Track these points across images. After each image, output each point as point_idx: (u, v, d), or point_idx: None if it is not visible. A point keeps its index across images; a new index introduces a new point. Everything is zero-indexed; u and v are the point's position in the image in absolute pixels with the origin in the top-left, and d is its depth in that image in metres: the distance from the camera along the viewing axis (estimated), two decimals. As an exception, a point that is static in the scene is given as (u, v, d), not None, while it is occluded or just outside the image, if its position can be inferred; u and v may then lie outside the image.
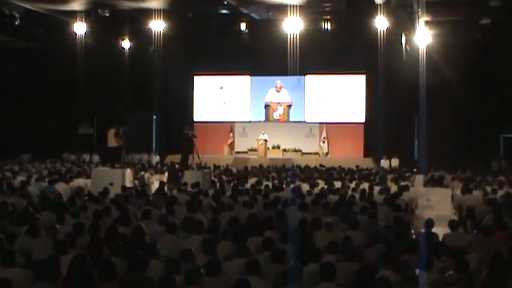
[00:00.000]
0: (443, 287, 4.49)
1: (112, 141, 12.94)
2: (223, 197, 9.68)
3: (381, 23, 18.45)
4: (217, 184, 12.27)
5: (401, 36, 19.97)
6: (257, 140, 21.72)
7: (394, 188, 11.73)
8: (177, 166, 14.34)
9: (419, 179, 13.31)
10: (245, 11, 20.30)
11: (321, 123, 23.66)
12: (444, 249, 5.50)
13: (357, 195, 10.06)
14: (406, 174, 15.51)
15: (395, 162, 20.87)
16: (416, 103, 17.50)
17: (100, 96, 21.86)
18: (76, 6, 19.52)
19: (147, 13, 19.68)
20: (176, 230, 6.35)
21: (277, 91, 24.14)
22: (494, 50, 19.23)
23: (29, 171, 14.80)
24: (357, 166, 18.18)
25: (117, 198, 9.09)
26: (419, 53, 17.29)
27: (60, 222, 6.74)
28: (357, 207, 8.51)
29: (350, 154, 22.71)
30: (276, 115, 23.73)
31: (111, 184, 11.24)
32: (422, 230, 6.87)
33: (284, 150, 23.24)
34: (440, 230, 6.92)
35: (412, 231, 7.82)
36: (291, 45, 18.42)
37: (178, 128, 19.49)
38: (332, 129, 23.47)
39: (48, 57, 22.35)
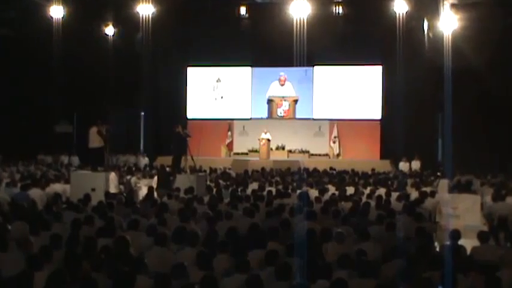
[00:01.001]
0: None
1: (94, 141, 12.93)
2: (221, 205, 9.75)
3: (400, 6, 18.41)
4: (214, 190, 12.32)
5: (423, 22, 19.95)
6: (259, 139, 21.71)
7: (414, 195, 11.75)
8: (168, 169, 14.32)
9: (444, 184, 13.29)
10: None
11: (331, 120, 23.72)
12: (473, 264, 5.48)
13: (373, 203, 10.06)
14: (429, 179, 15.52)
15: (416, 164, 20.85)
16: (440, 97, 17.47)
17: (80, 90, 21.82)
18: (52, -14, 19.52)
19: (134, -5, 19.73)
20: (167, 242, 6.36)
21: (282, 84, 24.15)
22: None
23: (-2, 175, 14.78)
24: (372, 169, 18.22)
25: (99, 206, 9.10)
26: (444, 40, 17.25)
27: (34, 233, 6.72)
28: (372, 216, 8.51)
29: (364, 156, 22.75)
30: (280, 111, 23.76)
31: (93, 190, 11.25)
32: (448, 243, 6.85)
33: (289, 151, 23.31)
34: (468, 243, 6.90)
35: (436, 243, 7.79)
36: (298, 32, 18.43)
37: (169, 126, 19.38)
38: (344, 127, 23.50)
39: (20, 45, 22.22)
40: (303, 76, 23.74)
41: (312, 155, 23.27)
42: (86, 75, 21.62)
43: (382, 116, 23.38)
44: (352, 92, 23.70)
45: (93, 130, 12.95)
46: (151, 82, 23.38)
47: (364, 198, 10.95)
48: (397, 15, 18.47)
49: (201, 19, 21.32)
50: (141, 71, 21.78)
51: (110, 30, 21.94)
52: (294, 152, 23.25)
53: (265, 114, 24.05)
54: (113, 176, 12.82)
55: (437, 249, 7.10)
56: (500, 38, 19.14)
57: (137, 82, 22.01)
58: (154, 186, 13.10)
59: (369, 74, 23.68)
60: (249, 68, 24.45)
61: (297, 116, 23.82)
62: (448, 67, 16.77)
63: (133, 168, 17.65)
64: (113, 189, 12.21)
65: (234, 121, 24.37)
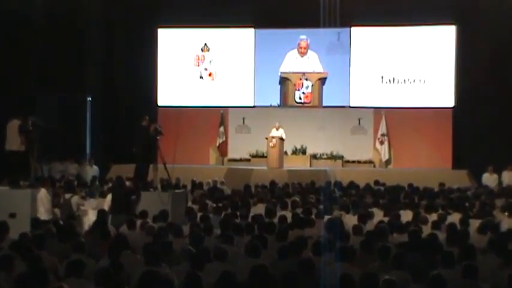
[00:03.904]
0: None
1: (13, 142, 12.88)
2: (209, 238, 9.71)
3: None
4: (198, 215, 12.23)
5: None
6: (267, 138, 21.61)
7: (507, 223, 11.70)
8: (128, 184, 14.28)
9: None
10: None
11: (377, 109, 23.70)
12: None
13: (441, 235, 10.02)
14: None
15: (509, 177, 20.70)
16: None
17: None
18: None
19: None
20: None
21: (302, 54, 24.11)
22: None
23: None
24: (441, 184, 18.12)
25: (22, 240, 9.04)
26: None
27: None
28: (440, 255, 8.41)
29: (428, 163, 22.72)
30: (299, 96, 23.68)
31: (12, 216, 11.23)
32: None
33: (313, 156, 23.29)
34: None
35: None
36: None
37: (130, 119, 19.44)
38: (396, 121, 23.47)
39: None
40: (334, 42, 23.67)
41: (348, 162, 23.25)
42: (5, 44, 21.59)
43: (455, 102, 23.33)
44: (408, 66, 23.65)
45: (12, 125, 12.90)
46: (102, 53, 23.34)
47: (428, 228, 10.88)
48: None
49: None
50: (89, 37, 21.77)
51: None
52: (320, 157, 23.23)
53: (276, 100, 24.00)
54: (43, 194, 12.75)
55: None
56: None
57: (82, 54, 21.98)
58: (108, 209, 13.05)
59: (435, 38, 23.60)
60: (251, 30, 24.43)
61: (325, 103, 23.76)
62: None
63: (76, 183, 17.58)
64: (43, 215, 12.14)
65: (229, 111, 24.34)
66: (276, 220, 11.38)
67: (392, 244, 9.10)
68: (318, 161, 23.10)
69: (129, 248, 8.75)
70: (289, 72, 23.83)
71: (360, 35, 24.03)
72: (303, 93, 23.65)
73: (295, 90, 23.66)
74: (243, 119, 24.30)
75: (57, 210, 13.48)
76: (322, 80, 23.63)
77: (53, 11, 21.75)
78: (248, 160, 23.27)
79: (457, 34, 23.23)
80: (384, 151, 23.37)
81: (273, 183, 17.99)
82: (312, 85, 23.59)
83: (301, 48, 24.12)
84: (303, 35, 23.94)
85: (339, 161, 23.13)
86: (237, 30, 24.52)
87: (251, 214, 12.30)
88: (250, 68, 24.48)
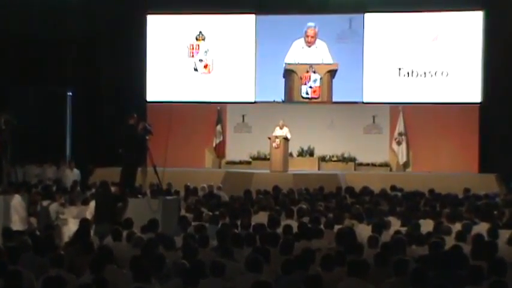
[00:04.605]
0: None
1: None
2: (204, 249, 9.74)
3: None
4: (192, 224, 12.21)
5: None
6: (269, 138, 21.62)
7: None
8: (113, 189, 14.27)
9: None
10: None
11: (393, 105, 23.71)
12: None
13: (467, 247, 9.96)
14: None
15: (542, 182, 20.74)
16: None
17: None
18: None
19: None
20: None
21: (309, 43, 24.12)
22: None
23: None
24: (466, 190, 18.12)
25: (-6, 253, 9.02)
26: None
27: None
28: (465, 270, 8.41)
29: (451, 167, 22.73)
30: (306, 90, 23.69)
31: (-18, 225, 11.18)
32: None
33: (322, 158, 23.31)
34: None
35: None
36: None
37: (115, 116, 19.44)
38: (415, 118, 23.49)
39: None
40: (345, 30, 23.70)
41: (361, 165, 23.31)
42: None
43: (482, 97, 23.34)
44: (429, 57, 23.66)
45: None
46: (84, 42, 23.32)
47: (451, 240, 10.83)
48: None
49: None
50: (67, 23, 21.76)
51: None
52: (330, 160, 23.27)
53: (280, 96, 24.01)
54: (17, 201, 12.78)
55: None
56: None
57: (60, 43, 21.97)
58: (91, 218, 13.05)
59: (460, 25, 23.63)
60: (252, 17, 24.46)
61: (335, 99, 23.78)
62: None
63: (54, 188, 17.56)
64: (17, 224, 12.18)
65: (227, 107, 24.37)
66: (280, 230, 11.34)
67: (411, 258, 9.05)
68: (327, 163, 23.13)
69: (115, 262, 8.73)
70: (295, 64, 23.86)
71: (375, 21, 24.03)
72: (310, 87, 23.64)
73: (302, 84, 23.65)
74: (243, 116, 24.32)
75: (33, 220, 13.45)
76: (332, 73, 23.62)
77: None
78: (248, 163, 23.30)
79: (485, 20, 23.23)
80: (401, 152, 23.38)
81: (276, 188, 17.94)
82: (321, 78, 23.59)
83: (308, 36, 24.13)
84: (310, 22, 23.94)
85: (351, 164, 23.17)
86: (236, 16, 24.57)
87: (252, 223, 12.25)
88: (250, 59, 24.51)
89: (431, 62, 23.65)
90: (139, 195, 13.89)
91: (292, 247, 9.78)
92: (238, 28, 24.60)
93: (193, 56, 24.72)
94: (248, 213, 13.62)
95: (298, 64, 23.80)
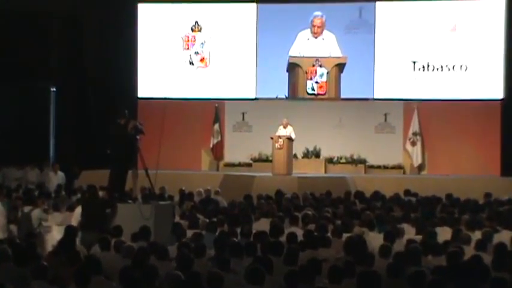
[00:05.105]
0: None
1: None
2: (200, 259, 9.74)
3: None
4: (188, 233, 12.24)
5: None
6: (272, 138, 21.64)
7: None
8: (101, 194, 14.27)
9: None
10: None
11: (407, 102, 23.77)
12: None
13: (488, 257, 9.97)
14: None
15: None
16: None
17: None
18: None
19: None
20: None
21: (315, 35, 24.15)
22: None
23: None
24: (487, 195, 18.13)
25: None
26: None
27: None
28: (486, 283, 8.41)
29: (471, 169, 22.82)
30: (311, 86, 23.65)
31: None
32: None
33: (329, 160, 23.39)
34: None
35: None
36: None
37: (103, 114, 19.45)
38: (432, 116, 23.55)
39: None
40: (355, 20, 23.73)
41: (372, 167, 23.39)
42: None
43: (505, 94, 23.43)
44: (446, 49, 23.68)
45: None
46: (70, 33, 23.35)
47: (470, 249, 10.87)
48: None
49: None
50: (51, 14, 21.80)
51: None
52: (338, 162, 23.37)
53: (283, 92, 24.01)
54: (-4, 207, 12.77)
55: None
56: None
57: (43, 34, 22.02)
58: (77, 225, 13.05)
59: (480, 14, 23.65)
60: (253, 5, 24.51)
61: (343, 95, 23.75)
62: None
63: (37, 193, 17.60)
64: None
65: (226, 104, 24.44)
66: (283, 239, 11.35)
67: (427, 269, 9.07)
68: (334, 166, 23.23)
69: (103, 274, 8.74)
70: (300, 57, 23.79)
71: (387, 10, 24.12)
72: (317, 82, 23.54)
73: (307, 79, 23.51)
74: (243, 114, 24.42)
75: (13, 227, 13.50)
76: (340, 67, 23.49)
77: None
78: (249, 165, 23.41)
79: (507, 9, 23.29)
80: (416, 154, 23.44)
81: (279, 193, 17.97)
82: (328, 73, 23.48)
83: (314, 27, 24.20)
84: (317, 12, 23.99)
85: (361, 166, 23.27)
86: (235, 5, 24.70)
87: (253, 231, 12.27)
88: (251, 52, 24.60)
89: (448, 55, 23.72)
90: (129, 201, 13.93)
91: (297, 257, 9.81)
92: (238, 18, 24.67)
93: (188, 48, 24.77)
94: (248, 220, 13.63)
95: (304, 57, 23.73)
